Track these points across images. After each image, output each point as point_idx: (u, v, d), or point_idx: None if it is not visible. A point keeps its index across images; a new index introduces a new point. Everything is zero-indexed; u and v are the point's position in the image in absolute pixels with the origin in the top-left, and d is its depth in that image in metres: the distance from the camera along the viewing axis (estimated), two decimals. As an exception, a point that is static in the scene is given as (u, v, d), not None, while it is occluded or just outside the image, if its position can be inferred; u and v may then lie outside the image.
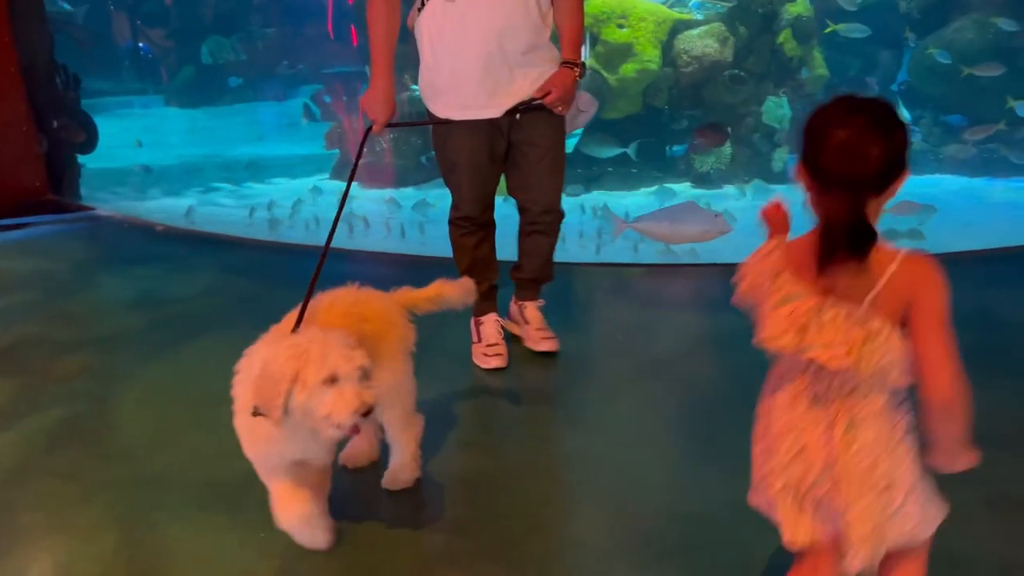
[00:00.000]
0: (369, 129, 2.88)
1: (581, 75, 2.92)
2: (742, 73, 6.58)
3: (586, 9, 3.04)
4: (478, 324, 3.26)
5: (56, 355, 3.29)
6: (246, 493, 2.40)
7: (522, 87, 2.89)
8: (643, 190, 6.74)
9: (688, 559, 2.11)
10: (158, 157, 7.62)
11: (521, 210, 3.18)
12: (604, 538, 2.19)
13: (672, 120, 6.93)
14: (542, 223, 3.14)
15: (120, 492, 2.41)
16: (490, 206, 3.15)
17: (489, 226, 3.19)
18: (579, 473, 2.49)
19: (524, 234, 3.22)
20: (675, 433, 2.74)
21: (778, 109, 6.85)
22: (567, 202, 6.21)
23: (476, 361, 3.18)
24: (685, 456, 2.60)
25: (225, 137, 8.93)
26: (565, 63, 2.90)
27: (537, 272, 3.25)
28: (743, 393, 2.98)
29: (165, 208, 5.52)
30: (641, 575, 2.05)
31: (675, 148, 7.09)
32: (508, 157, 3.04)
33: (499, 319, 3.28)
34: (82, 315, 3.69)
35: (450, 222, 3.18)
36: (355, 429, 1.86)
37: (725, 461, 2.53)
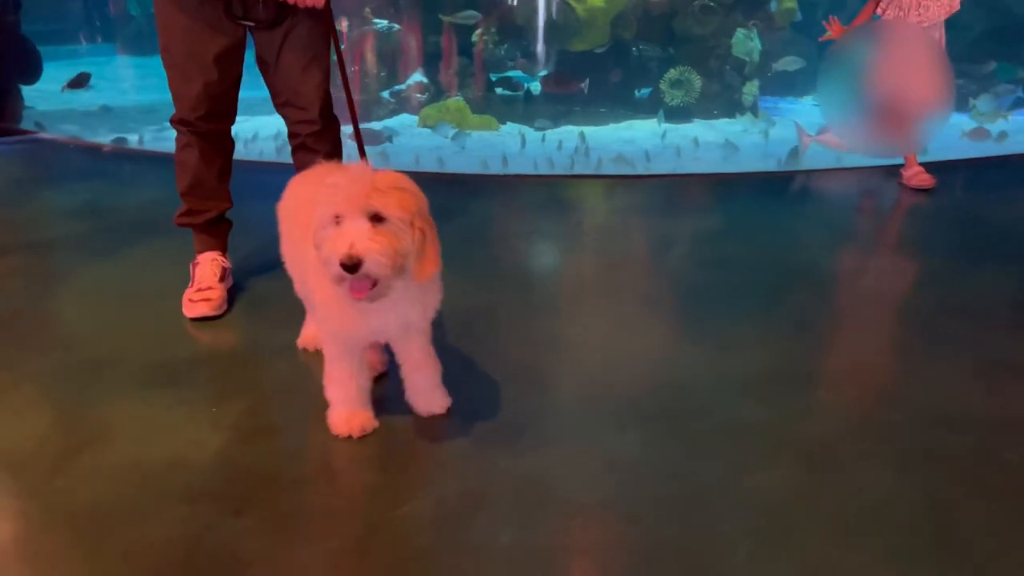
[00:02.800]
0: None
1: None
2: (712, 3, 6.42)
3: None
4: (194, 266, 2.70)
5: (-13, 259, 3.05)
6: (195, 372, 2.24)
7: None
8: (611, 125, 6.58)
9: (673, 422, 1.98)
10: (110, 99, 7.30)
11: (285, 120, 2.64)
12: (585, 407, 2.06)
13: (641, 53, 6.77)
14: (303, 135, 2.59)
15: (56, 377, 2.21)
16: (220, 112, 2.53)
17: (219, 138, 2.60)
18: (554, 353, 2.35)
19: (292, 153, 2.67)
20: (654, 317, 2.62)
21: (748, 42, 6.71)
22: (533, 136, 6.13)
23: (184, 309, 2.59)
24: (666, 336, 2.48)
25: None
26: None
27: None
28: (718, 284, 2.90)
29: (117, 140, 5.21)
30: (624, 436, 1.92)
31: (643, 91, 6.94)
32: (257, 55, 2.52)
33: (220, 258, 2.72)
34: (16, 223, 3.42)
35: (171, 125, 2.58)
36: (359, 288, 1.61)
37: (707, 340, 2.43)
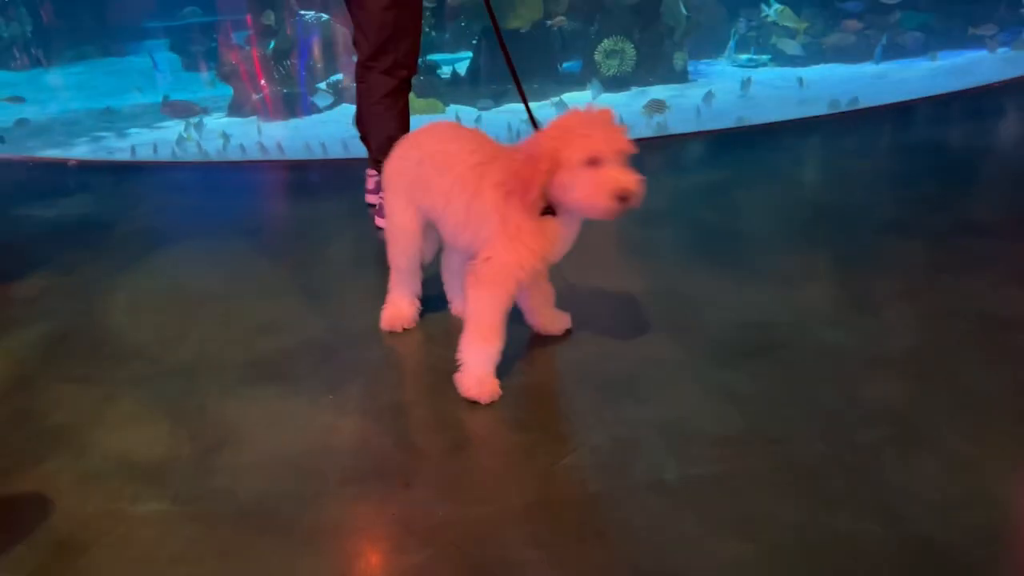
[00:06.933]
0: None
1: None
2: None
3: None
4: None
5: (6, 282, 2.91)
6: (291, 365, 2.25)
7: None
8: (543, 102, 6.66)
9: (769, 354, 2.14)
10: (27, 112, 6.89)
11: None
12: (684, 351, 2.19)
13: (575, 29, 6.90)
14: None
15: (149, 386, 2.18)
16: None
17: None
18: (632, 307, 2.45)
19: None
20: (702, 264, 2.74)
21: (676, 7, 6.95)
22: (473, 115, 6.12)
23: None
24: (724, 280, 2.59)
25: (91, 92, 8.22)
26: None
27: None
28: (756, 225, 3.05)
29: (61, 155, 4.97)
30: (732, 373, 2.06)
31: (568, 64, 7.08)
32: None
33: None
34: (18, 248, 3.27)
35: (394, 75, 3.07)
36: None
37: (769, 277, 2.58)
